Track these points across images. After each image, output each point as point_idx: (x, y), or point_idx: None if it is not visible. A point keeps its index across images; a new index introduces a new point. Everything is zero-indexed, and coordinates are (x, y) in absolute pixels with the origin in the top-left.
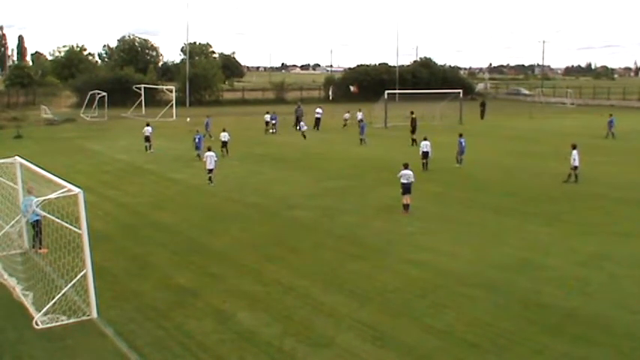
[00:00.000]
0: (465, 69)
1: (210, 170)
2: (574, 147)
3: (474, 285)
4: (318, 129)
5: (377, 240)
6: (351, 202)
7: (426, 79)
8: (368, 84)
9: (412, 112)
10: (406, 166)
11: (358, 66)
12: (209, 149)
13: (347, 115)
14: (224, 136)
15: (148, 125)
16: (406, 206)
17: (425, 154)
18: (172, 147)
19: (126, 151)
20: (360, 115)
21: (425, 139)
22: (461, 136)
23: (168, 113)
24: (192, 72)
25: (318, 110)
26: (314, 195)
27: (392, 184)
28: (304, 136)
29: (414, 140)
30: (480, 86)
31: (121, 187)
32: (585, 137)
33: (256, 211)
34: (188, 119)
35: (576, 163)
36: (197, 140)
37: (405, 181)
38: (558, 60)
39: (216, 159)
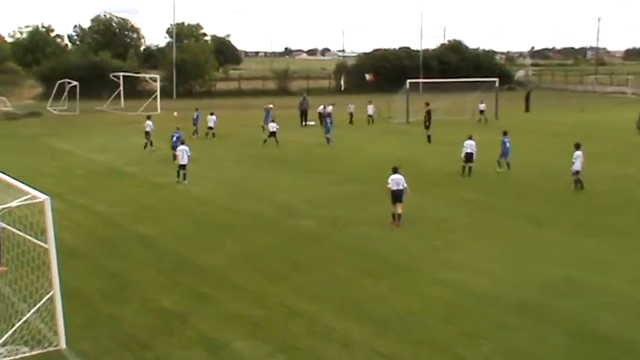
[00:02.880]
0: (502, 53)
1: (183, 166)
2: (577, 147)
3: (513, 310)
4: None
5: (396, 255)
6: (365, 211)
7: (456, 65)
8: (386, 71)
9: (427, 104)
10: (395, 170)
11: (375, 50)
12: (182, 142)
13: (351, 107)
14: (211, 120)
15: (148, 119)
16: (397, 216)
17: (468, 157)
18: (157, 146)
19: (102, 150)
20: (327, 109)
21: (470, 138)
22: (505, 135)
23: (152, 106)
24: (180, 58)
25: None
26: (321, 202)
27: (412, 189)
28: (277, 141)
29: (429, 137)
30: (519, 73)
31: (95, 193)
32: None
33: (254, 220)
34: (175, 113)
35: (577, 167)
36: (174, 139)
37: (395, 188)
38: (617, 41)
39: (189, 154)
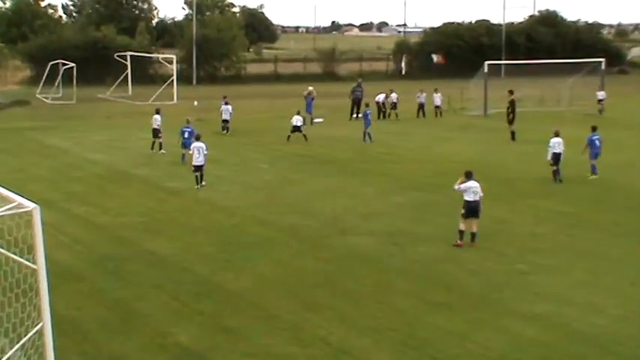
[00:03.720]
0: (611, 26)
1: (199, 167)
2: (556, 134)
3: (632, 357)
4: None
5: (471, 281)
6: (432, 225)
7: (549, 43)
8: (459, 51)
9: (511, 92)
10: (470, 176)
11: (445, 25)
12: (197, 138)
13: (421, 96)
14: (226, 112)
15: (157, 113)
16: (472, 236)
17: (556, 158)
18: (172, 143)
19: (104, 148)
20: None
21: (556, 135)
22: (594, 130)
23: (167, 94)
24: (202, 34)
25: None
26: (377, 214)
27: (493, 199)
28: (305, 137)
29: (513, 134)
30: (634, 52)
31: (96, 201)
32: None
33: (292, 236)
34: (196, 103)
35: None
36: (186, 135)
37: (469, 199)
38: None
39: (206, 152)
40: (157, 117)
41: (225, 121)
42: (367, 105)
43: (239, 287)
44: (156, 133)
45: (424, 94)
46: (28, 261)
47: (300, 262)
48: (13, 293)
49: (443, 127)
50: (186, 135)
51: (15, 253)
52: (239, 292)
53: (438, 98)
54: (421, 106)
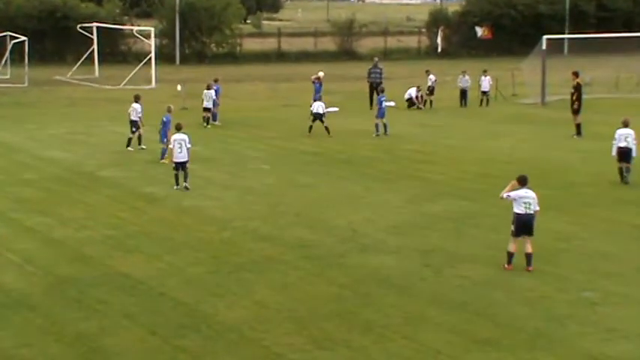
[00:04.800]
0: None
1: (181, 165)
2: (625, 124)
3: None
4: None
5: (525, 313)
6: (475, 241)
7: (625, 11)
8: (510, 23)
9: (576, 74)
10: (523, 182)
11: None
12: (179, 129)
13: (464, 79)
14: (208, 96)
15: (136, 101)
16: (527, 258)
17: (624, 154)
18: (149, 138)
19: (65, 144)
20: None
21: (625, 125)
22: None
23: (143, 76)
24: (187, 2)
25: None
26: (405, 226)
27: (554, 209)
28: (327, 129)
29: (578, 127)
30: None
31: (54, 210)
32: None
33: (300, 255)
34: (179, 87)
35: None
36: (164, 124)
37: (521, 211)
38: None
39: (189, 146)
40: (137, 106)
41: (207, 110)
42: (382, 90)
43: (233, 319)
44: (135, 125)
45: (467, 77)
46: None
47: (310, 288)
48: None
49: (489, 119)
50: (164, 124)
51: None
52: (233, 324)
53: (486, 82)
54: (463, 93)
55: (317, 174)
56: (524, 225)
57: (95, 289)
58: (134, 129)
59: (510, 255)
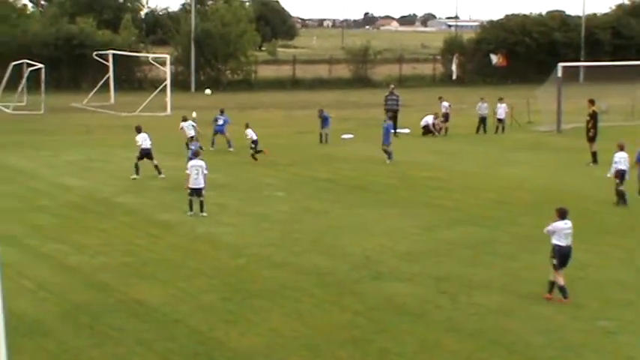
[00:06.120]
0: None
1: (197, 191)
2: (621, 148)
3: None
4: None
5: (540, 341)
6: (491, 269)
7: None
8: (525, 50)
9: (592, 101)
10: (563, 214)
11: (507, 17)
12: (196, 155)
13: (482, 107)
14: (188, 127)
15: (139, 132)
16: (561, 289)
17: (622, 176)
18: (165, 165)
19: (80, 170)
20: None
21: (621, 149)
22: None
23: (158, 103)
24: (203, 29)
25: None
26: (420, 253)
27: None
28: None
29: (594, 155)
30: None
31: (69, 237)
32: None
33: (315, 282)
34: (194, 114)
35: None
36: (220, 122)
37: (562, 243)
38: None
39: (206, 172)
40: (144, 135)
41: (191, 138)
42: (389, 118)
43: (246, 346)
44: (147, 154)
45: (486, 104)
46: None
47: (324, 315)
48: None
49: (505, 146)
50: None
51: None
52: (246, 352)
53: (502, 110)
54: (482, 120)
55: (331, 201)
56: (566, 257)
57: (109, 315)
58: (149, 157)
59: (563, 289)
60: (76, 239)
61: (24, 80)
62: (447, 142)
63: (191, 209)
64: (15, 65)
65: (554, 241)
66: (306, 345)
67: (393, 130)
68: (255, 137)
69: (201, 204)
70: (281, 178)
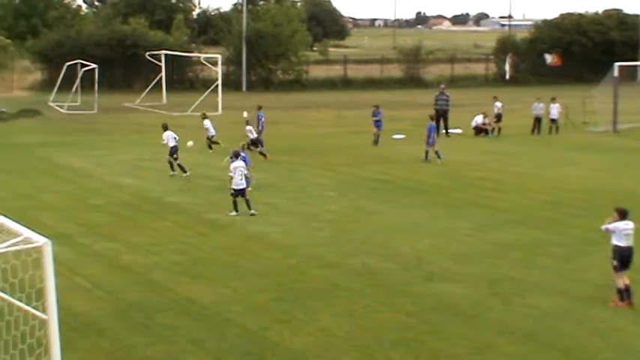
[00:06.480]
0: None
1: (241, 192)
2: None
3: None
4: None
5: (597, 345)
6: (545, 271)
7: None
8: (581, 50)
9: None
10: (623, 214)
11: (562, 16)
12: (236, 156)
13: (538, 107)
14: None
15: (166, 129)
16: (626, 292)
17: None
18: (215, 165)
19: (133, 170)
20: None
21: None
22: None
23: (210, 103)
24: (254, 29)
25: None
26: (473, 255)
27: None
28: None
29: None
30: None
31: (122, 235)
32: None
33: (367, 282)
34: (245, 114)
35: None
36: (263, 119)
37: (622, 244)
38: None
39: (246, 172)
40: (170, 133)
41: (209, 138)
42: (431, 117)
43: (298, 346)
44: (173, 152)
45: (541, 105)
46: (37, 309)
47: (376, 315)
48: (17, 350)
49: (559, 147)
50: (263, 119)
51: (20, 300)
52: (298, 352)
53: (555, 110)
54: (538, 120)
55: (383, 201)
56: (627, 258)
57: (162, 314)
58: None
59: (621, 291)
60: (128, 238)
61: (78, 80)
62: (499, 143)
63: (236, 210)
64: (69, 66)
65: (614, 241)
66: (357, 345)
67: (444, 130)
68: (253, 136)
69: (247, 202)
70: (332, 178)
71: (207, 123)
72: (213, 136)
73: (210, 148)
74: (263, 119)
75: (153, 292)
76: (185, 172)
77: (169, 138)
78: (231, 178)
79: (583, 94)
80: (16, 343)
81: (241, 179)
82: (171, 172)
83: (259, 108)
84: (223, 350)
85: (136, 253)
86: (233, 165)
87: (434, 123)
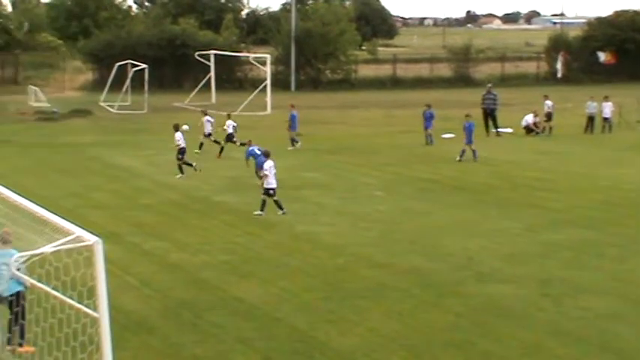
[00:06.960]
0: None
1: (271, 191)
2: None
3: None
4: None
5: None
6: (597, 272)
7: None
8: (635, 47)
9: None
10: None
11: (616, 13)
12: (266, 155)
13: (591, 106)
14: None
15: (177, 130)
16: None
17: None
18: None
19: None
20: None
21: None
22: None
23: (259, 102)
24: (303, 29)
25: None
26: (524, 255)
27: None
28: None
29: None
30: None
31: (171, 234)
32: None
33: (414, 282)
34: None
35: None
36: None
37: None
38: None
39: (274, 171)
40: (181, 134)
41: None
42: (468, 115)
43: (346, 346)
44: (181, 152)
45: (595, 103)
46: (88, 307)
47: (425, 316)
48: (69, 347)
49: (612, 146)
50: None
51: (72, 298)
52: (346, 351)
53: (607, 108)
54: (591, 119)
55: (432, 201)
56: None
57: (211, 313)
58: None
59: None
60: (177, 237)
61: (128, 80)
62: (550, 142)
63: (261, 209)
64: (120, 66)
65: None
66: (406, 346)
67: (495, 130)
68: (231, 131)
69: (277, 203)
70: (381, 178)
71: (206, 119)
72: (210, 134)
73: (200, 147)
74: (296, 118)
75: (202, 291)
76: (182, 173)
77: (181, 139)
78: (266, 176)
79: (637, 93)
80: (68, 339)
81: (272, 178)
82: (197, 168)
83: (292, 106)
84: (272, 349)
85: (185, 251)
86: (268, 164)
87: (472, 122)
